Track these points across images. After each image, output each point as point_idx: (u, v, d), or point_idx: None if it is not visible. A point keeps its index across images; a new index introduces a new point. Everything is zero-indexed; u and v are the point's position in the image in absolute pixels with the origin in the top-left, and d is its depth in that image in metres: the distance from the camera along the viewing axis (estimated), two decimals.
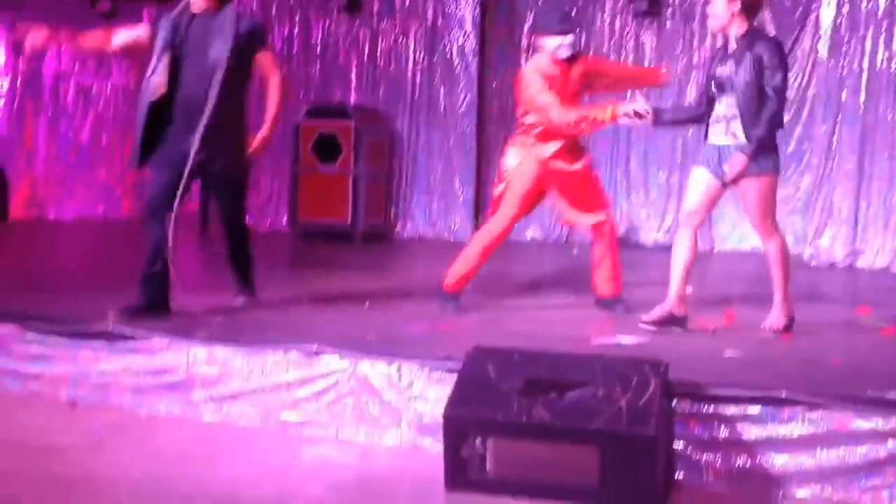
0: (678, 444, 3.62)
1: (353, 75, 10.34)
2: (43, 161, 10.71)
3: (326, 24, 10.42)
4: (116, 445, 3.97)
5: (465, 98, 9.99)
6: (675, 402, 3.63)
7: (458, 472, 3.49)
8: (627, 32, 9.58)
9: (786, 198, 9.08)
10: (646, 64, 9.33)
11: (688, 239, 4.88)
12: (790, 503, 3.48)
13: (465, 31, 9.89)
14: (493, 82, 10.00)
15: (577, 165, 5.42)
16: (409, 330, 4.74)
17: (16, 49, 10.46)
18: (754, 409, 3.59)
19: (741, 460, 3.57)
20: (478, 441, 3.48)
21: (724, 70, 4.81)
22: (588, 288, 5.67)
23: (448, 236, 9.81)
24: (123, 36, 5.19)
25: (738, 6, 4.73)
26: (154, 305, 4.92)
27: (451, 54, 9.96)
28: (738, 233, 9.19)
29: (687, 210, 4.96)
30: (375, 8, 10.22)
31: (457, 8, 9.90)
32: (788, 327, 4.90)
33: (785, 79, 4.75)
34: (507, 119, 10.07)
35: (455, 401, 3.57)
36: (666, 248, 8.97)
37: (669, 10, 9.42)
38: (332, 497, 3.44)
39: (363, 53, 10.29)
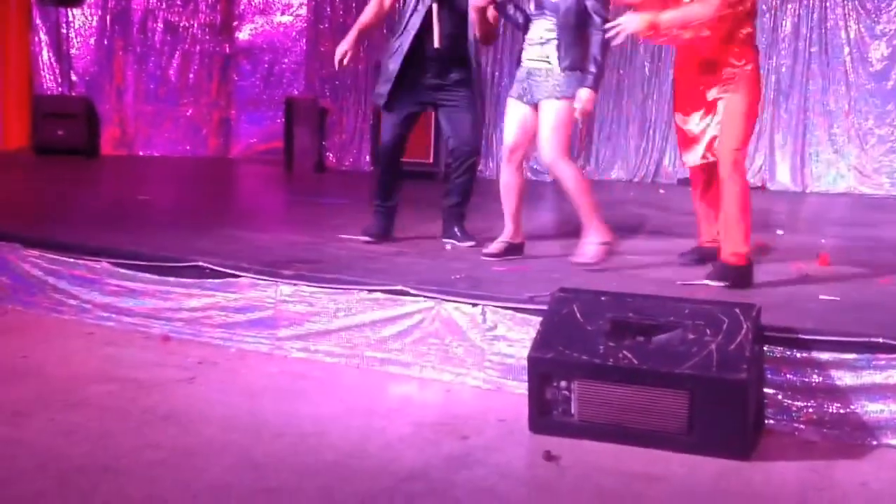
0: (769, 390, 3.55)
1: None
2: (132, 98, 10.87)
3: None
4: (207, 380, 4.05)
5: None
6: (766, 346, 3.54)
7: (543, 414, 3.48)
8: None
9: (882, 137, 8.78)
10: None
11: (510, 175, 4.95)
12: (884, 452, 3.38)
13: None
14: None
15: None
16: (494, 270, 4.71)
17: None
18: (849, 355, 3.49)
19: (834, 407, 3.48)
20: (563, 383, 3.45)
21: None
22: (675, 229, 5.57)
23: (531, 175, 9.68)
24: None
25: None
26: (381, 235, 5.47)
27: None
28: (832, 173, 8.92)
29: (506, 145, 4.97)
30: None
31: None
32: (600, 256, 4.78)
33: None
34: None
35: (540, 342, 3.54)
36: (755, 188, 8.81)
37: None
38: (416, 435, 3.47)
39: None
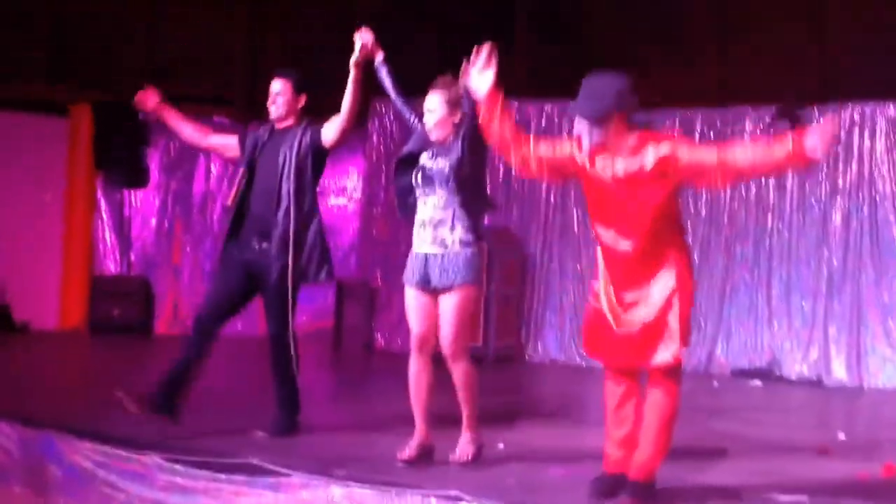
0: None
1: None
2: (188, 278, 11.08)
3: None
4: None
5: None
6: None
7: None
8: None
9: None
10: (788, 185, 9.10)
11: (422, 368, 4.74)
12: None
13: None
14: None
15: None
16: (549, 474, 4.60)
17: (167, 170, 11.00)
18: None
19: None
20: None
21: (436, 163, 4.65)
22: (736, 428, 5.41)
23: (580, 360, 9.60)
24: (218, 138, 5.72)
25: (458, 118, 4.65)
26: (161, 407, 5.20)
27: None
28: (889, 369, 8.69)
29: (415, 336, 4.78)
30: None
31: None
32: (477, 456, 4.73)
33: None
34: None
35: None
36: (811, 382, 8.63)
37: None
38: None
39: (497, 174, 10.26)
